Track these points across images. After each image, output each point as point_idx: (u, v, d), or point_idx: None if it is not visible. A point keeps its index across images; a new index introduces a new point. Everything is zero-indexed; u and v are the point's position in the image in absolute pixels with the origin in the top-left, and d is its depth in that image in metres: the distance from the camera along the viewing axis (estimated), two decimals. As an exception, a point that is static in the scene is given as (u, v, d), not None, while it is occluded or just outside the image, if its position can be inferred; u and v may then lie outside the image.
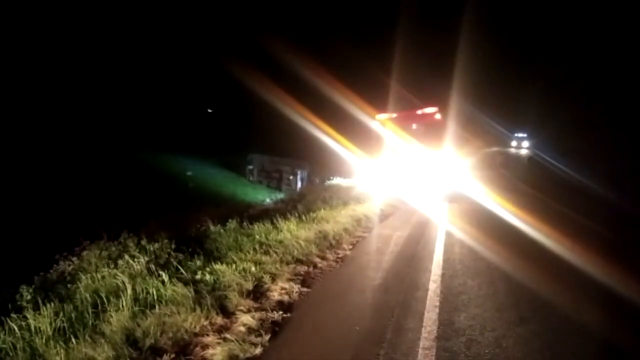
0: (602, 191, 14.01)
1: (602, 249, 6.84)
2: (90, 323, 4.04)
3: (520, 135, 44.06)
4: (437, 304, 4.76)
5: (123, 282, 4.58)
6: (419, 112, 13.37)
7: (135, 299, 4.39)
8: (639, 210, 10.84)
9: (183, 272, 5.11)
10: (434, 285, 5.40)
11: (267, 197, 17.96)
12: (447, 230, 8.56)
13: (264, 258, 6.05)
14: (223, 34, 33.81)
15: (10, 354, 3.68)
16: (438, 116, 12.95)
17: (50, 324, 3.90)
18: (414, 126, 13.35)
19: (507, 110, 45.44)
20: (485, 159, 28.81)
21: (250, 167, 27.71)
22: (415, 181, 12.69)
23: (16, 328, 3.88)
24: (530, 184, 17.58)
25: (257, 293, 5.03)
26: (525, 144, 42.34)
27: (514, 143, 43.67)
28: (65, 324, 3.94)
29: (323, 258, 6.65)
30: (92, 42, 26.82)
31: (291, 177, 24.93)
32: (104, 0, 27.19)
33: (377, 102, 17.84)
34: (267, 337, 4.00)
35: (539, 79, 44.92)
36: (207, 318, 4.24)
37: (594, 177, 16.36)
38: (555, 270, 6.12)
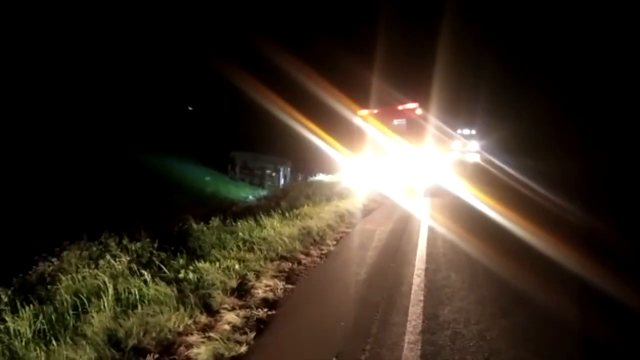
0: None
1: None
2: (71, 324, 3.97)
3: (467, 132, 33.38)
4: (422, 298, 4.79)
5: (104, 282, 4.51)
6: (400, 107, 13.46)
7: (117, 299, 4.33)
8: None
9: (166, 271, 5.05)
10: (418, 279, 5.43)
11: (249, 194, 17.80)
12: (429, 224, 8.61)
13: (248, 255, 6.02)
14: (202, 31, 33.40)
15: (-11, 357, 3.60)
16: (419, 111, 13.06)
17: (30, 326, 3.83)
18: (395, 122, 13.42)
19: (452, 102, 35.34)
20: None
21: (232, 164, 27.45)
22: (397, 176, 12.78)
23: (-6, 331, 3.79)
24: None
25: (242, 291, 5.01)
26: (474, 145, 31.73)
27: (456, 145, 30.31)
28: (45, 326, 3.87)
29: (307, 254, 6.65)
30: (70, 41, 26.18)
31: (274, 174, 24.78)
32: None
33: (359, 98, 17.86)
34: (252, 335, 3.99)
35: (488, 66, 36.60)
36: (191, 317, 4.20)
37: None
38: (534, 262, 6.20)
